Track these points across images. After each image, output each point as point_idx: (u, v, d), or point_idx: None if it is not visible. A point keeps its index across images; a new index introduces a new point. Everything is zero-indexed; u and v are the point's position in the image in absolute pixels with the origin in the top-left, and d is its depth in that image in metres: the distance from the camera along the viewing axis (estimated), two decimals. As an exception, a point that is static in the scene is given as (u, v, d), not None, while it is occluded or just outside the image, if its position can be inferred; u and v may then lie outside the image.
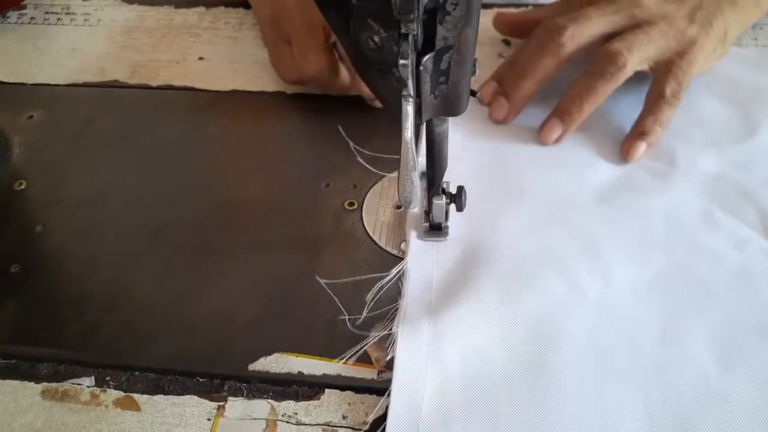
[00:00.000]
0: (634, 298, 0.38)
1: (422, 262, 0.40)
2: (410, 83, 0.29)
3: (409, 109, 0.30)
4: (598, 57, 0.44)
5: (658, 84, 0.45)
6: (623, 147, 0.45)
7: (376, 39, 0.28)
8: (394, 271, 0.40)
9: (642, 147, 0.44)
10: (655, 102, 0.44)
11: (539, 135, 0.46)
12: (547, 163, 0.45)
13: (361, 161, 0.46)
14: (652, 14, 0.44)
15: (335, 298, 0.39)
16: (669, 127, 0.45)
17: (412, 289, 0.39)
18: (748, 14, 0.48)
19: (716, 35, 0.45)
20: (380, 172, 0.46)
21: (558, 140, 0.46)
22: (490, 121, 0.48)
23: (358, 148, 0.45)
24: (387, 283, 0.40)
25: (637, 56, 0.43)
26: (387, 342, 0.37)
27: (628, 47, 0.43)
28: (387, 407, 0.34)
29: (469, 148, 0.46)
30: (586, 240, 0.41)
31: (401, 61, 0.28)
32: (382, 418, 0.34)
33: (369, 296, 0.39)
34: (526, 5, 0.58)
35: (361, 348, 0.37)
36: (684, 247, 0.40)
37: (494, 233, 0.41)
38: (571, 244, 0.41)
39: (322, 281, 0.40)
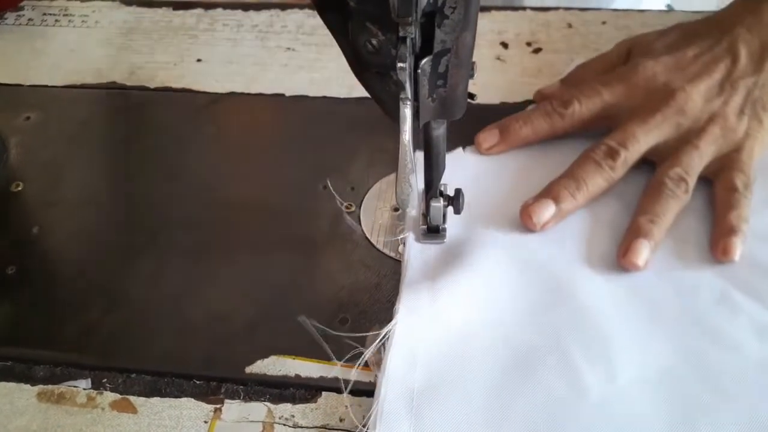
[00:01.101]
0: (640, 396, 0.34)
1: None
2: (408, 86, 0.29)
3: (407, 112, 0.30)
4: (662, 183, 0.41)
5: (726, 179, 0.41)
6: (716, 249, 0.39)
7: (374, 42, 0.29)
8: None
9: (738, 244, 0.39)
10: (731, 197, 0.40)
11: (623, 260, 0.39)
12: (557, 235, 0.41)
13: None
14: (699, 118, 0.42)
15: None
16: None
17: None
18: None
19: None
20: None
21: (648, 262, 0.39)
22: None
23: (342, 202, 0.44)
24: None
25: (695, 174, 0.41)
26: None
27: (685, 171, 0.41)
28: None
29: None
30: (591, 322, 0.37)
31: (399, 64, 0.28)
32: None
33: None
34: (523, 8, 0.59)
35: (364, 356, 0.36)
36: (698, 333, 0.36)
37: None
38: (574, 327, 0.36)
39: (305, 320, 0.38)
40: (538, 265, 0.40)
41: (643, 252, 0.39)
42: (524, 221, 0.41)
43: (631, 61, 0.46)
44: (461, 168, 0.44)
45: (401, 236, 0.42)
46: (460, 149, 0.46)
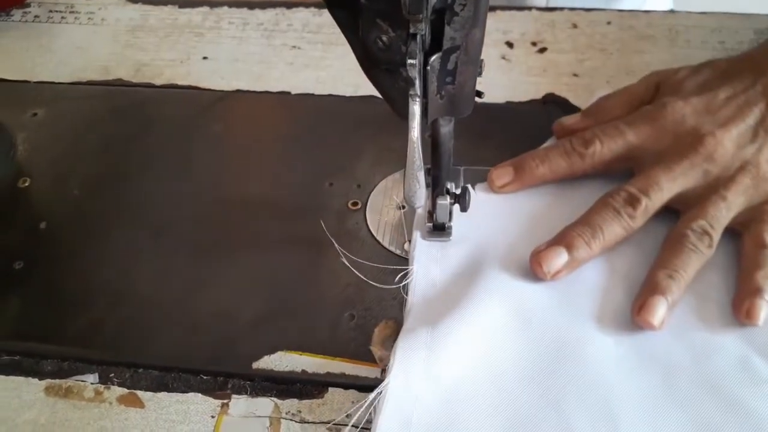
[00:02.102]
0: None
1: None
2: (417, 83, 0.29)
3: (415, 108, 0.30)
4: (684, 235, 0.38)
5: (755, 234, 0.38)
6: (739, 310, 0.36)
7: (385, 39, 0.29)
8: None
9: (764, 306, 0.36)
10: (759, 253, 0.37)
11: (638, 317, 0.36)
12: (568, 287, 0.39)
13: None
14: (729, 166, 0.39)
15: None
16: None
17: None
18: None
19: None
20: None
21: (665, 322, 0.37)
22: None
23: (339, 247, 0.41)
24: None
25: (721, 227, 0.38)
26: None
27: (710, 224, 0.38)
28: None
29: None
30: (598, 393, 0.34)
31: (409, 61, 0.28)
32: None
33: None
34: (529, 8, 0.59)
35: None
36: (715, 404, 0.33)
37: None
38: (579, 398, 0.34)
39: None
40: (544, 321, 0.37)
41: (659, 310, 0.36)
42: (534, 269, 0.38)
43: (658, 100, 0.43)
44: (471, 205, 0.40)
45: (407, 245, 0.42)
46: (469, 186, 0.40)
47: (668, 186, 0.39)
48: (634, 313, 0.37)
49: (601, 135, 0.42)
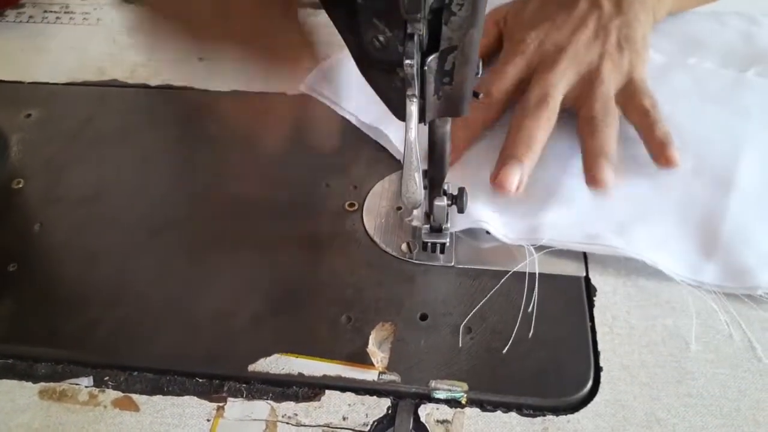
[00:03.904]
0: None
1: None
2: (415, 83, 0.29)
3: (413, 109, 0.30)
4: (593, 118, 0.45)
5: (636, 105, 0.46)
6: (662, 162, 0.44)
7: (382, 38, 0.28)
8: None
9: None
10: (647, 118, 0.45)
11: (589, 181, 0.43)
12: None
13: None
14: (591, 62, 0.47)
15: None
16: None
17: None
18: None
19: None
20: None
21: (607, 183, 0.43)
22: None
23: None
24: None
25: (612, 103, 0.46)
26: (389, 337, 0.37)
27: (604, 102, 0.46)
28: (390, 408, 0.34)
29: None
30: None
31: (407, 61, 0.28)
32: (382, 420, 0.34)
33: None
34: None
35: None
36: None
37: None
38: None
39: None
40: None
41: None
42: (500, 192, 0.42)
43: (514, 37, 0.50)
44: None
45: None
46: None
47: (559, 82, 0.46)
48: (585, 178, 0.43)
49: (490, 85, 0.47)
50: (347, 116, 0.50)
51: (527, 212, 0.43)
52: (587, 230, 0.41)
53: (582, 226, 0.41)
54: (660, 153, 0.44)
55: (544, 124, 0.44)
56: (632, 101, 0.46)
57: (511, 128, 0.45)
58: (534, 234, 0.41)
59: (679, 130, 0.44)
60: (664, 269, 0.39)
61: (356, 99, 0.50)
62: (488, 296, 0.39)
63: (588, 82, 0.46)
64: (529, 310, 0.38)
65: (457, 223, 0.42)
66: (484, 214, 0.42)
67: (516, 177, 0.42)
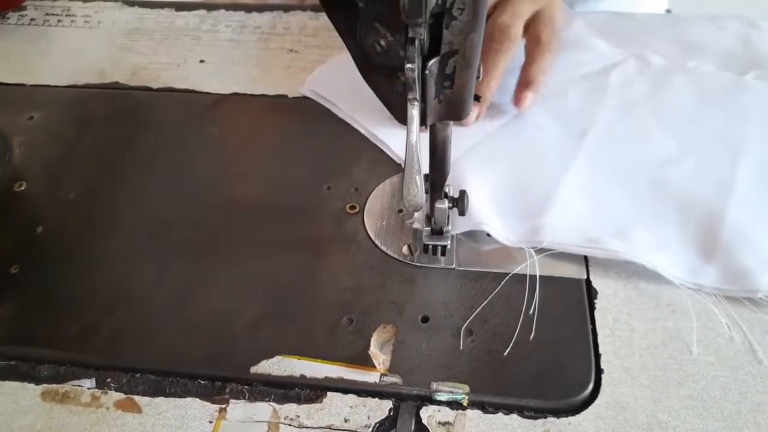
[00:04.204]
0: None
1: None
2: (416, 87, 0.29)
3: (414, 112, 0.30)
4: (540, 40, 0.48)
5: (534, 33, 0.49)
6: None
7: (383, 43, 0.29)
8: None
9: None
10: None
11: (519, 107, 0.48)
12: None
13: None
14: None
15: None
16: None
17: None
18: None
19: None
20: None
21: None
22: None
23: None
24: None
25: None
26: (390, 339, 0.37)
27: (552, 20, 0.49)
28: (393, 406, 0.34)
29: None
30: None
31: (408, 65, 0.28)
32: (384, 422, 0.34)
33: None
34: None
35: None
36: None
37: None
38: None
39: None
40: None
41: (528, 99, 0.47)
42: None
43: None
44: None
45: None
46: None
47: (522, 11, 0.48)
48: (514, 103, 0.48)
49: (504, 28, 0.48)
50: (346, 119, 0.50)
51: (528, 214, 0.43)
52: (587, 233, 0.41)
53: (582, 229, 0.42)
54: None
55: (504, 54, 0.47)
56: (533, 29, 0.48)
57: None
58: (534, 236, 0.41)
59: (679, 133, 0.45)
60: (664, 273, 0.40)
61: (355, 102, 0.50)
62: (489, 298, 0.39)
63: (499, 5, 0.48)
64: (530, 312, 0.38)
65: (458, 225, 0.42)
66: (485, 217, 0.42)
67: (474, 111, 0.46)
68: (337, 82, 0.52)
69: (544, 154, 0.46)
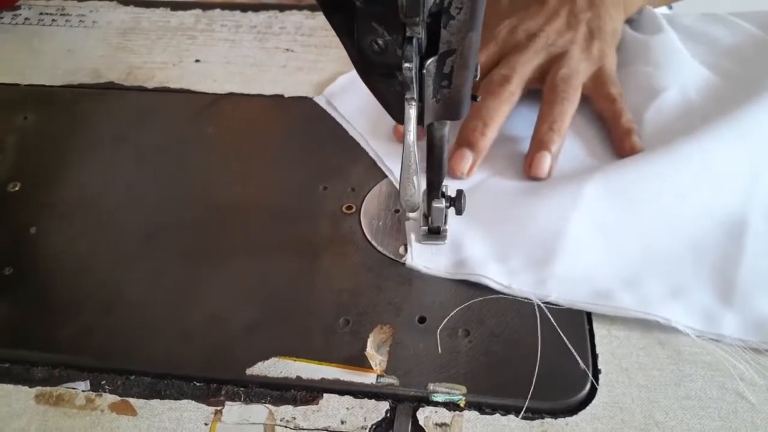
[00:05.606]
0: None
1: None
2: (413, 87, 0.29)
3: (411, 112, 0.30)
4: (555, 86, 0.47)
5: (604, 93, 0.48)
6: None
7: (380, 42, 0.28)
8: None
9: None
10: (614, 105, 0.48)
11: (530, 171, 0.45)
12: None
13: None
14: (561, 47, 0.49)
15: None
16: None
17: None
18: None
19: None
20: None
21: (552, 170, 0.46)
22: None
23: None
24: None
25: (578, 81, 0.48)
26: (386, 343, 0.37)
27: (568, 75, 0.48)
28: (391, 407, 0.34)
29: None
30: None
31: (405, 65, 0.28)
32: (380, 423, 0.34)
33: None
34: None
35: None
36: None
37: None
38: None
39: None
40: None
41: (546, 162, 0.45)
42: (452, 176, 0.45)
43: (488, 25, 0.49)
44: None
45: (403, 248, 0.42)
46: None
47: (526, 63, 0.48)
48: (525, 168, 0.46)
49: (507, 71, 0.48)
50: (357, 138, 0.49)
51: (534, 259, 0.40)
52: (596, 286, 0.39)
53: (591, 281, 0.39)
54: (625, 140, 0.46)
55: (503, 103, 0.46)
56: (601, 89, 0.48)
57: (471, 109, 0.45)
58: (541, 289, 0.39)
59: (692, 167, 0.43)
60: (679, 327, 0.37)
61: (369, 124, 0.50)
62: (486, 299, 0.39)
63: (556, 63, 0.48)
64: (528, 312, 0.38)
65: (455, 272, 0.40)
66: (484, 266, 0.40)
67: (468, 162, 0.45)
68: (354, 100, 0.51)
69: (551, 189, 0.44)
